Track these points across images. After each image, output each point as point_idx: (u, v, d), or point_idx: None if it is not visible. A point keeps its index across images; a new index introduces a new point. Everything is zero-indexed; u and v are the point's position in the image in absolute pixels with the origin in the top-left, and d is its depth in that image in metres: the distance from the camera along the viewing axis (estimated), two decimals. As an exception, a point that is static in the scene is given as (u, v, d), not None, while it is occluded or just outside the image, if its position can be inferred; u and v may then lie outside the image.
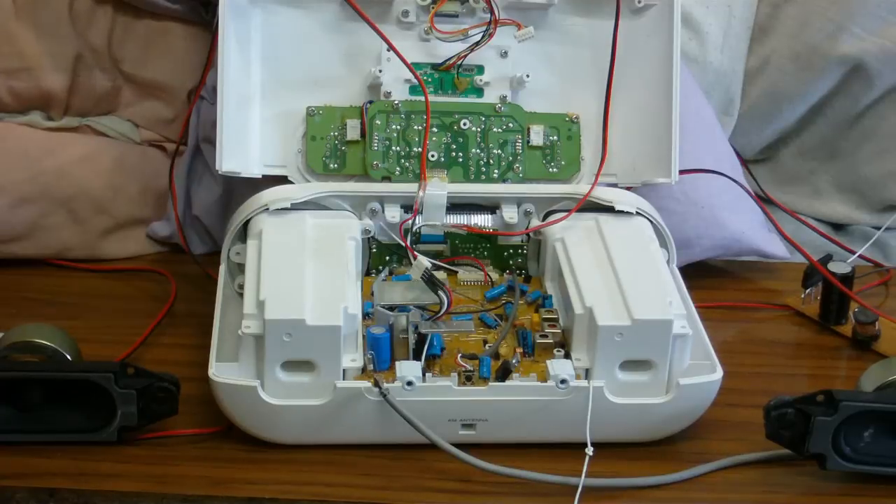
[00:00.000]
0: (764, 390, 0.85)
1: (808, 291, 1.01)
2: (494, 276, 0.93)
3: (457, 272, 0.93)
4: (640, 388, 0.81)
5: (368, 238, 0.91)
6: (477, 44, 0.95)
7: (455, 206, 0.93)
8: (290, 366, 0.80)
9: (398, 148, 0.95)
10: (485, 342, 0.85)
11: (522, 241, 0.94)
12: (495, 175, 0.96)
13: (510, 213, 0.93)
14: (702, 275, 1.04)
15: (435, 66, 0.96)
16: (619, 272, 0.85)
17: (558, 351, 0.83)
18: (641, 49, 0.96)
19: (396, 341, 0.82)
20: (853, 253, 1.10)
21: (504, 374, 0.81)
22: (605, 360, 0.80)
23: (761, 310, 1.03)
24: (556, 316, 0.87)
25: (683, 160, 0.96)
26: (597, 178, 0.94)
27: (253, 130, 0.95)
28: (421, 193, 0.91)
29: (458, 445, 0.78)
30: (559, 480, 0.78)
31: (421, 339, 0.81)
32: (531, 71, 0.96)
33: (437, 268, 0.91)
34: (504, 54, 0.96)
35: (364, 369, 0.81)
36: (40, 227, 1.04)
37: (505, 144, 0.96)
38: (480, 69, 0.97)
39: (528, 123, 0.97)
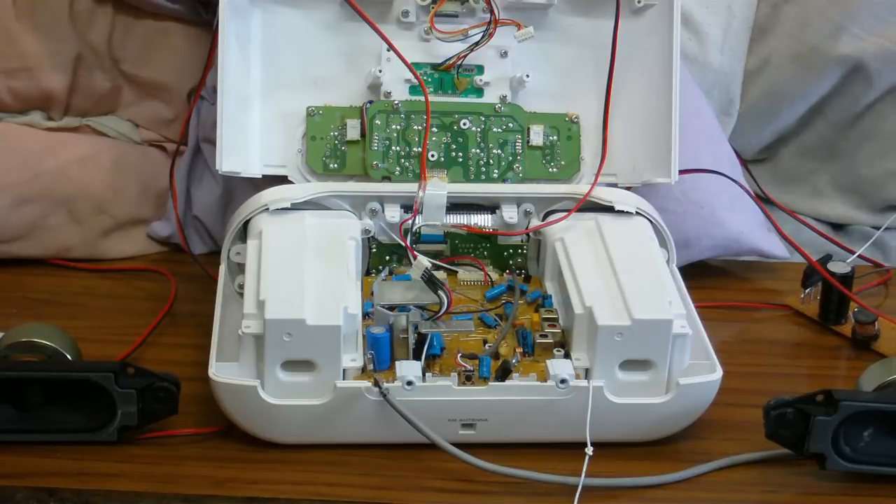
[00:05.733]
0: (764, 390, 0.85)
1: (807, 291, 1.01)
2: (494, 276, 0.93)
3: (457, 272, 0.93)
4: (639, 387, 0.82)
5: (368, 238, 0.91)
6: (477, 44, 0.95)
7: (455, 205, 0.93)
8: (290, 365, 0.80)
9: (398, 148, 0.95)
10: (485, 342, 0.85)
11: (522, 241, 0.94)
12: (495, 175, 0.96)
13: (510, 213, 0.93)
14: (702, 275, 1.04)
15: (435, 66, 0.96)
16: (619, 272, 0.85)
17: (558, 351, 0.83)
18: (641, 49, 0.96)
19: (396, 341, 0.82)
20: (853, 253, 1.10)
21: (504, 373, 0.81)
22: (604, 359, 0.81)
23: (761, 310, 1.03)
24: (555, 316, 0.87)
25: (683, 160, 0.96)
26: (597, 178, 0.94)
27: (253, 130, 0.95)
28: (421, 193, 0.91)
29: (458, 445, 0.78)
30: (559, 480, 0.78)
31: (421, 338, 0.81)
32: (531, 71, 0.96)
33: (437, 268, 0.91)
34: (504, 54, 0.97)
35: (364, 369, 0.81)
36: (40, 227, 1.04)
37: (505, 144, 0.96)
38: (480, 69, 0.97)
39: (528, 123, 0.97)
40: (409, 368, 0.79)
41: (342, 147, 0.95)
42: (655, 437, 0.84)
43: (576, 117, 0.98)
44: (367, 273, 0.93)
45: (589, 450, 0.77)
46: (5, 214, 1.02)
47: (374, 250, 0.93)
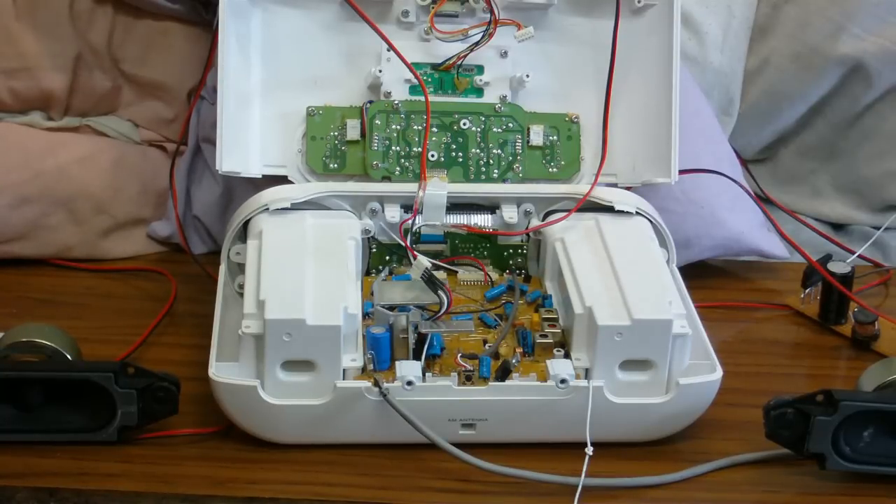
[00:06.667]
0: (763, 390, 0.85)
1: (807, 291, 1.01)
2: (494, 276, 0.93)
3: (457, 272, 0.93)
4: (639, 387, 0.82)
5: (368, 238, 0.91)
6: (477, 44, 0.95)
7: (455, 205, 0.93)
8: (290, 365, 0.80)
9: (398, 148, 0.95)
10: (485, 342, 0.85)
11: (522, 241, 0.94)
12: (495, 175, 0.96)
13: (510, 213, 0.93)
14: (702, 275, 1.04)
15: (435, 66, 0.96)
16: (619, 272, 0.85)
17: (558, 351, 0.83)
18: (641, 49, 0.96)
19: (396, 341, 0.82)
20: (853, 253, 1.10)
21: (504, 373, 0.81)
22: (604, 359, 0.81)
23: (761, 310, 1.03)
24: (555, 316, 0.87)
25: (683, 160, 0.96)
26: (597, 178, 0.94)
27: (253, 130, 0.95)
28: (421, 193, 0.91)
29: (458, 445, 0.78)
30: (559, 480, 0.78)
31: (421, 338, 0.81)
32: (531, 71, 0.96)
33: (437, 268, 0.91)
34: (504, 54, 0.97)
35: (364, 369, 0.81)
36: (40, 227, 1.04)
37: (505, 144, 0.96)
38: (480, 69, 0.97)
39: (528, 123, 0.97)
40: (409, 368, 0.79)
41: (342, 147, 0.95)
42: (655, 437, 0.84)
43: (576, 117, 0.98)
44: (367, 273, 0.93)
45: (589, 450, 0.77)
46: (5, 214, 1.02)
47: (374, 250, 0.93)
